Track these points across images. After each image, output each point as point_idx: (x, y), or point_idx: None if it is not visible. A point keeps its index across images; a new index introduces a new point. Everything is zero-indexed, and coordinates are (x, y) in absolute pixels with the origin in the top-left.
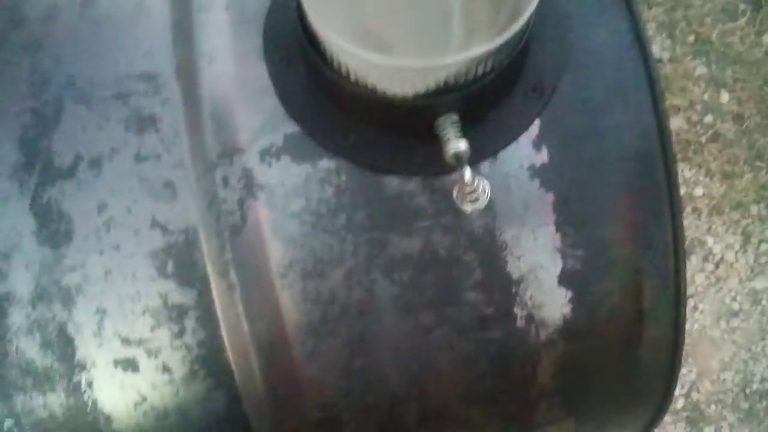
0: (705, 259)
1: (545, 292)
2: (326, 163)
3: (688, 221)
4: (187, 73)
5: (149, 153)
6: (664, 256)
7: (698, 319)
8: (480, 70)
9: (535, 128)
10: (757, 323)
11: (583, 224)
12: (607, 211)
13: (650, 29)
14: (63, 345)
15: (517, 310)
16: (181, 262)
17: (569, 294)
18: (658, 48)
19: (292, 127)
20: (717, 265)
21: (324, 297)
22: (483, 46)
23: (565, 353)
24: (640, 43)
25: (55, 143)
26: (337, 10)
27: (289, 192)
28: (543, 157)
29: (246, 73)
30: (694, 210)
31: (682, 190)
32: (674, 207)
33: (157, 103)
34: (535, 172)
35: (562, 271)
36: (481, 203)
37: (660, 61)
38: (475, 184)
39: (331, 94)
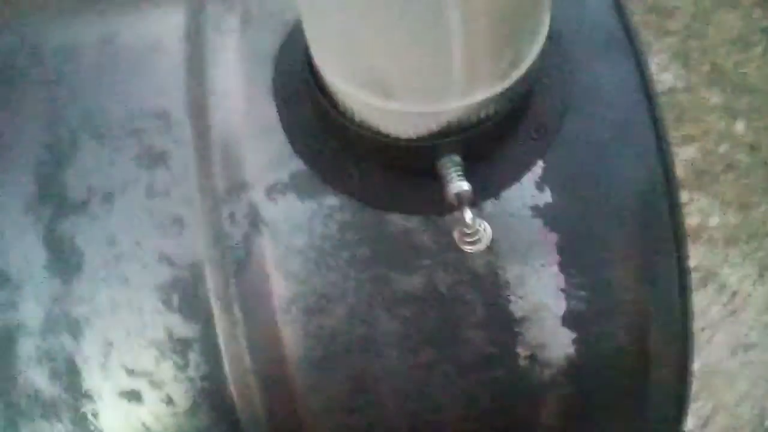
0: (720, 290)
1: (549, 332)
2: (331, 200)
3: (703, 252)
4: (199, 111)
5: (159, 189)
6: (669, 297)
7: (713, 351)
8: (483, 114)
9: (538, 169)
10: None
11: (587, 265)
12: (611, 252)
13: (664, 58)
14: (71, 376)
15: (519, 350)
16: (187, 296)
17: (573, 335)
18: (672, 77)
19: (298, 165)
20: (732, 297)
21: (326, 333)
22: (485, 92)
23: (570, 394)
24: (645, 83)
25: (69, 177)
26: (341, 57)
27: (293, 228)
28: (546, 197)
29: (255, 111)
30: (710, 240)
31: (697, 220)
32: (680, 248)
33: (169, 140)
34: (539, 212)
35: (566, 311)
36: (482, 245)
37: (674, 90)
38: (476, 226)
39: (336, 133)
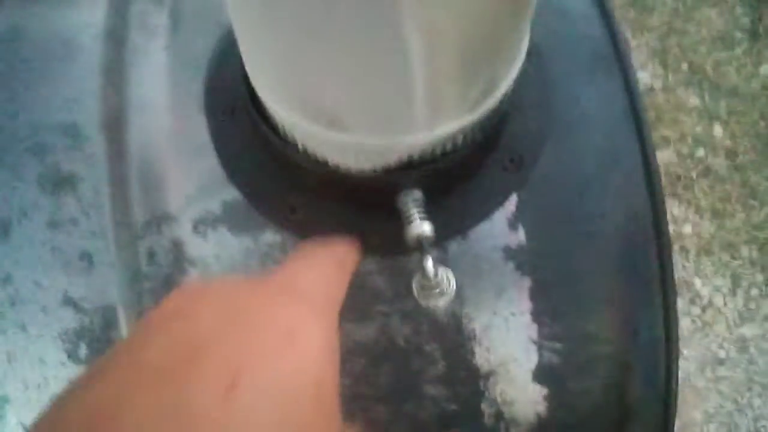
0: (692, 302)
1: (517, 388)
2: (270, 237)
3: (675, 260)
4: (115, 126)
5: (64, 218)
6: (653, 351)
7: (682, 366)
8: (449, 146)
9: (511, 205)
10: (745, 373)
11: (563, 314)
12: (590, 300)
13: (642, 56)
14: None
15: (484, 407)
16: (96, 346)
17: (544, 391)
18: (649, 76)
19: (231, 194)
20: (704, 309)
21: None
22: (451, 125)
23: None
24: (635, 109)
25: None
26: (278, 82)
27: (225, 269)
28: (519, 237)
29: (182, 127)
30: (682, 249)
31: (670, 228)
32: (668, 297)
33: (78, 159)
34: (510, 253)
35: (538, 365)
36: (444, 300)
37: (651, 90)
38: (439, 277)
39: (277, 160)
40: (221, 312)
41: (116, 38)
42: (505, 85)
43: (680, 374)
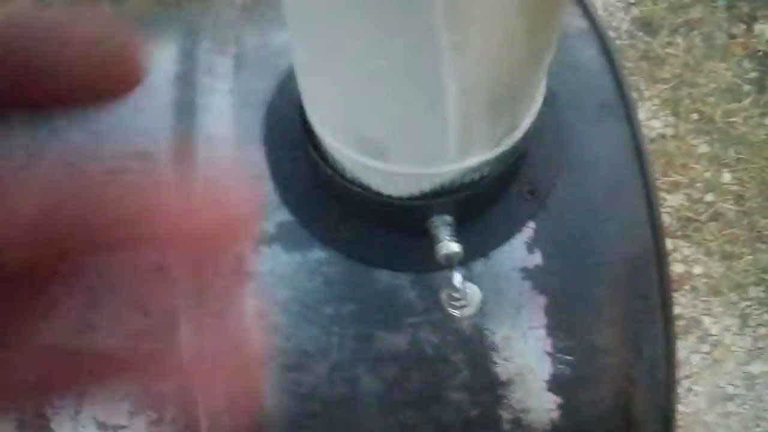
0: (701, 339)
1: (533, 396)
2: (317, 254)
3: (686, 300)
4: (184, 155)
5: None
6: (654, 365)
7: (692, 401)
8: (476, 176)
9: (529, 230)
10: (753, 409)
11: (575, 329)
12: (599, 316)
13: (654, 105)
14: (39, 428)
15: (503, 413)
16: None
17: (558, 399)
18: (661, 124)
19: (285, 215)
20: (714, 347)
21: (305, 390)
22: (479, 157)
23: None
24: (637, 149)
25: None
26: (333, 117)
27: (277, 280)
28: (536, 259)
29: (244, 157)
30: (692, 289)
31: (681, 268)
32: (667, 316)
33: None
34: (528, 273)
35: (552, 375)
36: (470, 310)
37: (663, 137)
38: (465, 289)
39: (326, 185)
40: None
41: (186, 81)
42: (525, 125)
43: (690, 409)
